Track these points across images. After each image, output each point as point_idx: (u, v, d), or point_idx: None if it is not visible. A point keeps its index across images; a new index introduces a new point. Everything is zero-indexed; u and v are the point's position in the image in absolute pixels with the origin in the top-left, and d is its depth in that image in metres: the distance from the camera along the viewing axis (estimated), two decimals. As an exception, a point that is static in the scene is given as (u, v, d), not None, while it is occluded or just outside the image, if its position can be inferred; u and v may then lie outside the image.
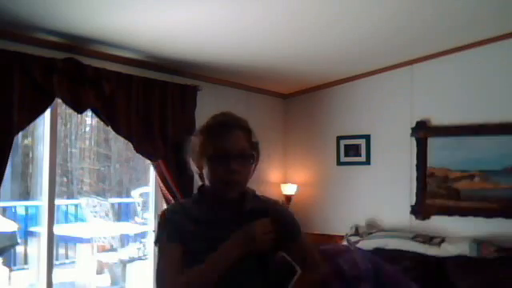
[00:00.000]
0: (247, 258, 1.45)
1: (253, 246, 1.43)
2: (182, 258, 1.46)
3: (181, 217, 1.51)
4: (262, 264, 1.50)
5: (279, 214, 1.58)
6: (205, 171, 1.51)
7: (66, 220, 7.13)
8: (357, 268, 2.22)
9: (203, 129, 1.55)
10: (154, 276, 1.54)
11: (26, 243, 6.04)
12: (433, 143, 4.31)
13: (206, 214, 1.52)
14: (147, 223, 4.28)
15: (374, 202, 4.57)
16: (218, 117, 1.56)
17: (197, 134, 1.56)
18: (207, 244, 1.45)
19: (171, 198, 3.83)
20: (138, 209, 7.02)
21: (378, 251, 4.13)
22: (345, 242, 4.37)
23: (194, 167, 1.56)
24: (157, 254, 1.55)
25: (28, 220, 6.19)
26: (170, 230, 1.51)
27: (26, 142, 3.51)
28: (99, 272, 6.07)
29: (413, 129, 4.39)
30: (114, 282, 5.88)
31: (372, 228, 4.46)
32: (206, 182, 1.53)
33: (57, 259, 6.06)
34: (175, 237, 1.48)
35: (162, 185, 3.81)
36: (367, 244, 4.21)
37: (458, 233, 4.07)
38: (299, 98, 5.15)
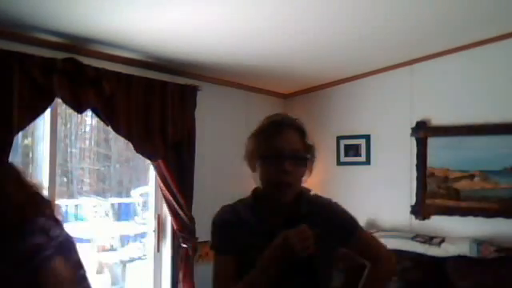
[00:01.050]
0: (296, 262, 1.39)
1: (291, 255, 1.35)
2: (232, 269, 1.45)
3: (232, 226, 1.48)
4: (311, 266, 1.43)
5: (330, 214, 1.54)
6: (258, 172, 1.47)
7: (66, 220, 7.13)
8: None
9: (257, 129, 1.51)
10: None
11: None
12: (433, 143, 4.32)
13: (258, 221, 1.47)
14: (147, 223, 4.28)
15: (374, 202, 4.57)
16: (271, 117, 1.53)
17: (251, 134, 1.53)
18: (261, 253, 1.41)
19: (171, 198, 3.83)
20: (138, 209, 7.01)
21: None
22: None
23: (250, 167, 1.53)
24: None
25: (28, 220, 6.17)
26: (221, 241, 1.50)
27: (26, 142, 3.51)
28: (99, 272, 6.07)
29: (413, 129, 4.39)
30: (114, 282, 5.87)
31: (372, 228, 4.46)
32: (259, 184, 1.49)
33: (57, 259, 6.04)
34: (226, 249, 1.48)
35: (162, 185, 3.81)
36: (367, 244, 4.21)
37: (458, 233, 4.07)
38: (299, 97, 5.15)
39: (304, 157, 1.47)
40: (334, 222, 1.51)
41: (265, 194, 1.48)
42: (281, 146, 1.43)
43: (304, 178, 1.51)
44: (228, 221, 1.51)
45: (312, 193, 1.58)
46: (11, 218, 1.50)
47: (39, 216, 1.57)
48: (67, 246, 1.61)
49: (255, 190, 1.56)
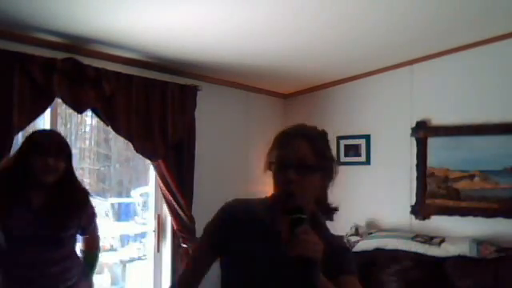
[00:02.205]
0: (290, 266, 1.33)
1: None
2: (206, 262, 1.54)
3: (234, 219, 1.51)
4: (305, 276, 1.34)
5: (341, 248, 1.52)
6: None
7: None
8: None
9: (277, 136, 1.53)
10: None
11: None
12: (433, 143, 4.31)
13: (263, 221, 1.48)
14: (147, 223, 4.28)
15: (374, 202, 4.57)
16: (287, 127, 1.54)
17: (271, 141, 1.55)
18: (247, 253, 1.45)
19: (171, 198, 3.83)
20: (138, 209, 7.01)
21: (378, 251, 4.13)
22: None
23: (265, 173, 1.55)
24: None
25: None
26: (213, 231, 1.54)
27: (26, 142, 3.56)
28: (99, 272, 6.07)
29: (413, 129, 4.39)
30: (113, 282, 5.87)
31: (372, 228, 4.46)
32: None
33: (57, 259, 6.04)
34: (213, 243, 1.53)
35: (162, 185, 3.81)
36: (367, 244, 4.21)
37: (458, 233, 4.07)
38: (299, 97, 5.15)
39: (314, 165, 1.43)
40: (339, 257, 1.46)
41: (274, 199, 1.50)
42: (286, 154, 1.44)
43: (318, 188, 1.48)
44: (234, 212, 1.54)
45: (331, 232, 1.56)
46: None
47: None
48: None
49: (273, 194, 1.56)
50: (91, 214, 2.47)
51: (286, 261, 1.32)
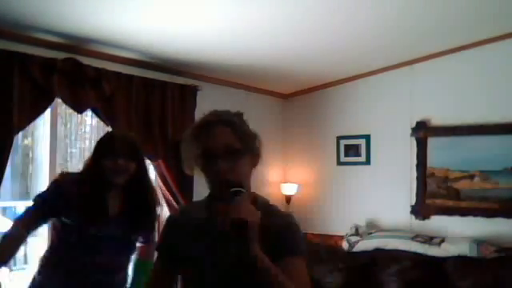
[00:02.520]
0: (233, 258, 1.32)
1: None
2: (165, 272, 1.51)
3: (179, 227, 1.49)
4: (241, 245, 1.28)
5: (284, 224, 1.41)
6: (199, 174, 1.43)
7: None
8: None
9: (189, 131, 1.46)
10: None
11: (25, 243, 6.03)
12: (433, 143, 4.31)
13: (207, 221, 1.44)
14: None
15: (374, 202, 4.57)
16: (201, 117, 1.48)
17: (184, 137, 1.47)
18: (191, 257, 1.42)
19: (171, 198, 3.83)
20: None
21: (378, 251, 4.13)
22: (345, 242, 4.37)
23: (189, 171, 1.48)
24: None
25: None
26: (164, 241, 1.53)
27: (26, 141, 3.52)
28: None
29: (413, 129, 4.39)
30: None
31: (372, 228, 4.46)
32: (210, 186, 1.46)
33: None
34: (165, 250, 1.52)
35: (161, 185, 3.81)
36: (367, 244, 4.21)
37: (458, 233, 4.07)
38: (299, 98, 5.15)
39: (240, 149, 1.39)
40: (281, 235, 1.37)
41: (210, 192, 1.44)
42: (211, 145, 1.38)
43: (249, 171, 1.44)
44: (176, 220, 1.54)
45: (272, 203, 1.49)
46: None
47: None
48: None
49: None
50: (155, 220, 2.41)
51: (226, 255, 1.32)
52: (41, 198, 2.14)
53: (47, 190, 2.20)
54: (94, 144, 2.27)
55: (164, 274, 1.51)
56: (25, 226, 2.10)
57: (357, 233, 4.39)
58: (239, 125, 1.44)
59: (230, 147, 1.38)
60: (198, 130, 1.43)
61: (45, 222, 2.20)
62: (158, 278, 1.51)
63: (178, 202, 3.83)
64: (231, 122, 1.43)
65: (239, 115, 1.48)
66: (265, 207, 1.42)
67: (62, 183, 2.16)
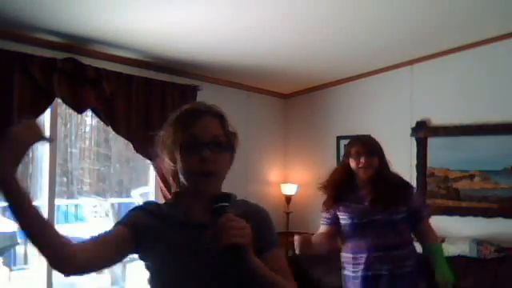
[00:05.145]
0: (221, 258, 1.26)
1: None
2: (112, 239, 1.33)
3: (150, 215, 1.36)
4: (236, 264, 1.27)
5: (259, 221, 1.38)
6: (178, 164, 1.36)
7: (66, 220, 7.12)
8: None
9: (172, 119, 1.41)
10: None
11: (26, 243, 6.03)
12: (433, 143, 4.31)
13: (182, 215, 1.36)
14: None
15: (374, 202, 4.56)
16: (187, 106, 1.44)
17: (166, 125, 1.41)
18: (173, 250, 1.32)
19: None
20: (138, 209, 6.99)
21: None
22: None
23: (167, 163, 1.40)
24: None
25: (28, 220, 6.16)
26: (127, 221, 1.37)
27: (26, 142, 3.56)
28: (99, 272, 6.07)
29: (413, 129, 4.39)
30: (114, 282, 5.87)
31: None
32: (182, 178, 1.38)
33: (57, 259, 6.03)
34: (126, 223, 1.35)
35: (161, 185, 3.80)
36: (367, 244, 4.21)
37: (458, 233, 4.07)
38: (299, 98, 5.15)
39: (225, 142, 1.37)
40: (260, 229, 1.35)
41: (188, 185, 1.37)
42: (199, 132, 1.34)
43: (228, 167, 1.41)
44: (150, 210, 1.39)
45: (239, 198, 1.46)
46: None
47: None
48: None
49: (175, 192, 1.49)
50: (417, 200, 2.80)
51: (209, 251, 1.26)
52: None
53: None
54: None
55: (113, 239, 1.33)
56: None
57: (357, 233, 4.38)
58: (226, 120, 1.42)
59: (217, 138, 1.36)
60: (186, 117, 1.38)
61: None
62: (106, 239, 1.32)
63: (178, 202, 3.83)
64: (220, 115, 1.41)
65: (224, 113, 1.45)
66: (244, 206, 1.41)
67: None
